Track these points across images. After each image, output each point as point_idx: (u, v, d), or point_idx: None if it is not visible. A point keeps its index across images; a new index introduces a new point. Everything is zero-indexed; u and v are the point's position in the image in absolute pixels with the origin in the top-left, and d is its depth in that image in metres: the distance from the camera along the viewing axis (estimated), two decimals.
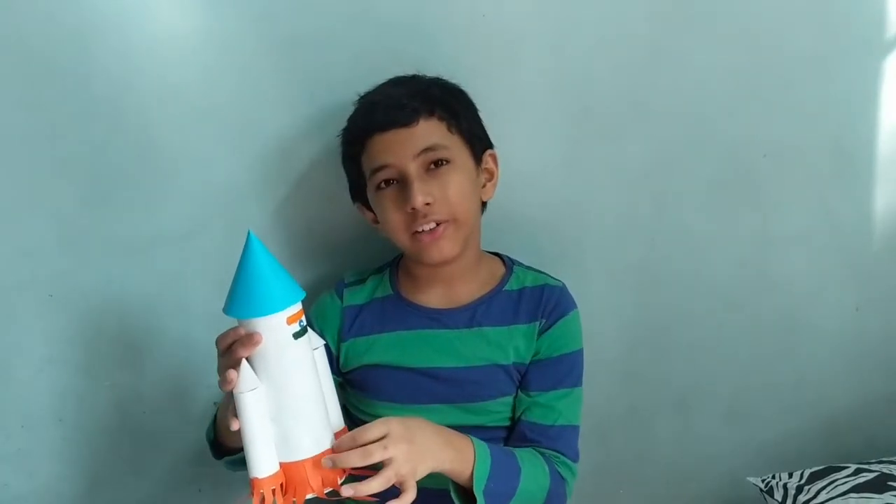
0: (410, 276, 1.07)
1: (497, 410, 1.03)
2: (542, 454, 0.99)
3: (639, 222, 1.22)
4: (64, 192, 1.10)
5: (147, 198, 1.12)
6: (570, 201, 1.20)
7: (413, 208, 0.95)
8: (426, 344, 1.04)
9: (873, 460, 1.17)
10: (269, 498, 0.77)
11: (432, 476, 0.96)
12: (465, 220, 0.99)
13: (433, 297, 1.06)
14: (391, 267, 1.10)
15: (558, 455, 1.00)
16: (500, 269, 1.09)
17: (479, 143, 1.03)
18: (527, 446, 1.00)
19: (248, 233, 0.79)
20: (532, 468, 0.95)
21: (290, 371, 0.79)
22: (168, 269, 1.14)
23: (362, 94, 1.04)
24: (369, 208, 1.05)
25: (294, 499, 0.80)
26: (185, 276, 1.15)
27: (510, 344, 1.03)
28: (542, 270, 1.10)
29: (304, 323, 0.80)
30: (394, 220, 0.98)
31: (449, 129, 0.99)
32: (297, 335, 0.78)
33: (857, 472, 1.14)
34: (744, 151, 1.20)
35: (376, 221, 1.05)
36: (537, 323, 1.04)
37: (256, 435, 0.78)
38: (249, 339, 0.77)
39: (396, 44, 1.10)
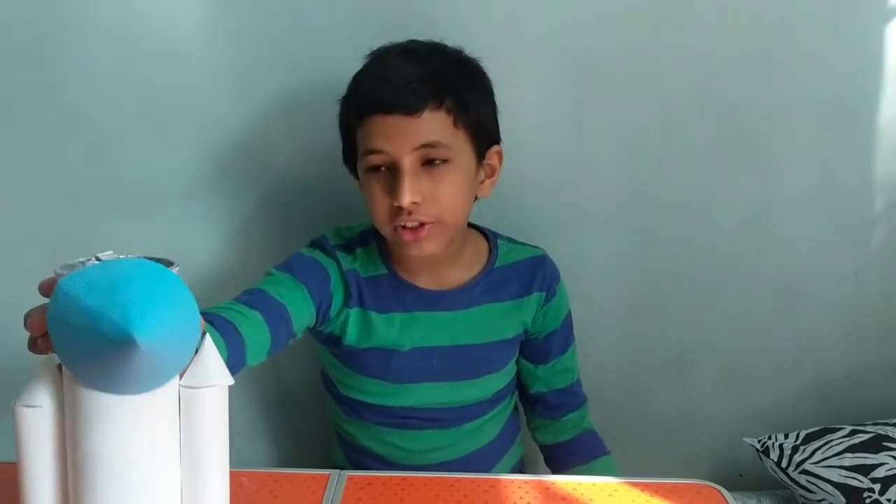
0: (397, 255, 1.01)
1: (486, 386, 1.05)
2: (596, 444, 1.11)
3: (639, 186, 1.22)
4: (67, 149, 1.10)
5: (149, 155, 1.12)
6: (570, 165, 1.21)
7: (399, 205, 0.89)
8: (425, 326, 1.01)
9: (868, 422, 1.19)
10: None
11: (453, 447, 1.04)
12: (452, 222, 0.94)
13: (426, 280, 1.02)
14: (377, 241, 1.02)
15: (584, 408, 1.12)
16: (484, 246, 1.06)
17: (485, 138, 0.96)
18: (557, 413, 1.11)
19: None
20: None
21: None
22: (170, 226, 1.14)
23: (373, 53, 0.96)
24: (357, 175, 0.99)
25: None
26: (187, 233, 1.15)
27: (513, 318, 1.05)
28: (522, 241, 1.08)
29: None
30: (378, 208, 0.92)
31: (455, 124, 0.91)
32: None
33: (852, 433, 1.15)
34: (746, 114, 1.20)
35: None
36: (542, 294, 1.05)
37: None
38: None
39: (398, 5, 1.10)
